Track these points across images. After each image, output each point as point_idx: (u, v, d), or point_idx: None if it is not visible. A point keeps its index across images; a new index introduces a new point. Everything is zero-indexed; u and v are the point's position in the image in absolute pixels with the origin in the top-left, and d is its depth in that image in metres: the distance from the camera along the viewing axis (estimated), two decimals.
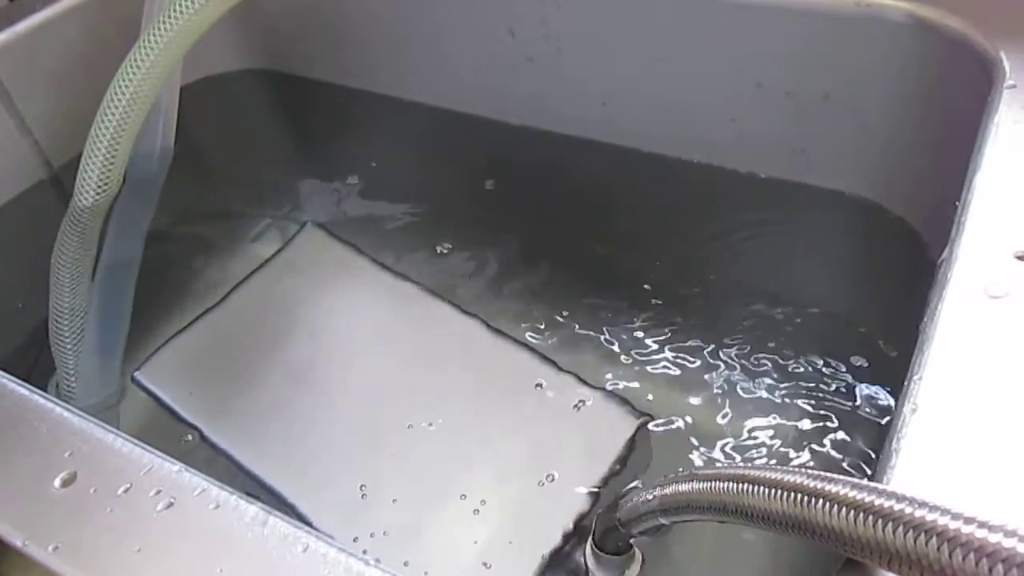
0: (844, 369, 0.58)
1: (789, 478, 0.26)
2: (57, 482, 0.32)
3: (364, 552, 0.46)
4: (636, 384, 0.59)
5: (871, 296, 0.62)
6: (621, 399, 0.52)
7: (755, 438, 0.56)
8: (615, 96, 0.66)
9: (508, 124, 0.72)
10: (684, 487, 0.32)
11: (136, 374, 0.59)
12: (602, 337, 0.63)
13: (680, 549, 0.51)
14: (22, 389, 0.35)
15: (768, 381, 0.58)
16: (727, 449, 0.56)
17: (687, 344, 0.61)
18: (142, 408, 0.60)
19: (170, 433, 0.56)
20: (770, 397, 0.58)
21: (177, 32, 0.54)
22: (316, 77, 0.80)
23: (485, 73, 0.70)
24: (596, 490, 0.48)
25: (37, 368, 0.61)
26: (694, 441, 0.56)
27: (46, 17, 0.66)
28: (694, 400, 0.58)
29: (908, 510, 0.22)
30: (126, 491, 0.31)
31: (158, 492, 0.31)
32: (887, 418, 0.53)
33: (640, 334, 0.62)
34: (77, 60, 0.68)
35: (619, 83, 0.64)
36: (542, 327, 0.64)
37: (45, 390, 0.59)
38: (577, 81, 0.66)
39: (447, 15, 0.69)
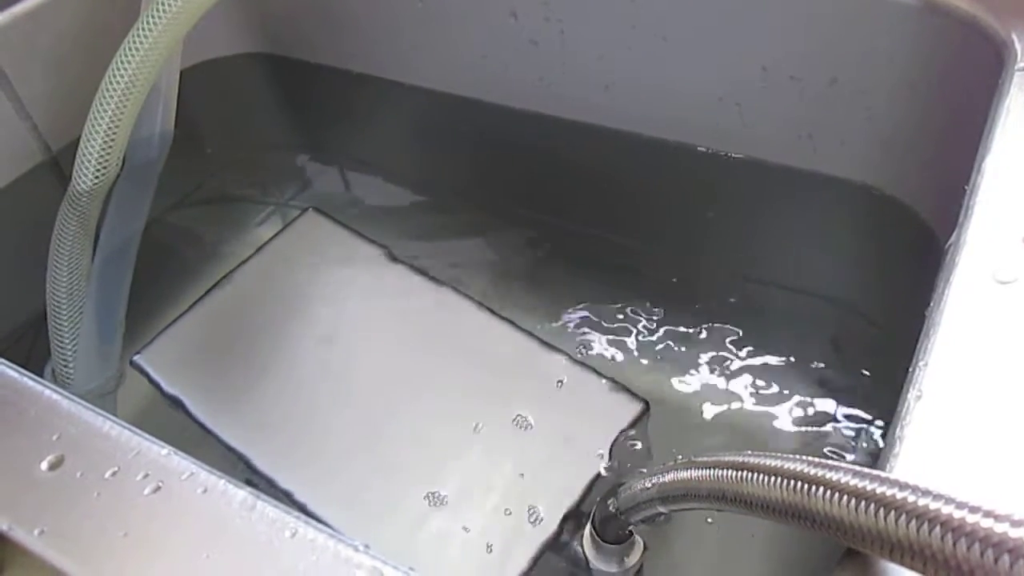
0: (849, 356, 0.57)
1: (789, 465, 0.26)
2: (44, 465, 0.31)
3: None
4: (637, 370, 0.59)
5: (877, 284, 0.61)
6: (621, 385, 0.51)
7: (758, 425, 0.56)
8: (618, 80, 0.65)
9: (511, 108, 0.71)
10: (683, 475, 0.32)
11: (136, 358, 0.58)
12: (603, 323, 0.62)
13: (680, 538, 0.50)
14: (11, 371, 0.35)
15: (772, 368, 0.58)
16: (729, 436, 0.55)
17: (689, 331, 0.61)
18: (141, 393, 0.60)
19: (168, 418, 0.56)
20: (773, 384, 0.57)
21: (176, 14, 0.54)
22: (317, 61, 0.80)
23: (487, 57, 0.69)
24: (596, 477, 0.48)
25: (35, 352, 0.61)
26: (695, 428, 0.56)
27: None
28: (696, 387, 0.58)
29: (911, 498, 0.22)
30: (113, 475, 0.30)
31: (146, 476, 0.30)
32: (892, 406, 0.53)
33: (642, 320, 0.62)
34: (76, 42, 0.68)
35: (622, 67, 0.64)
36: (543, 312, 0.64)
37: (42, 375, 0.59)
38: (580, 65, 0.65)
39: None
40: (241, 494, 0.29)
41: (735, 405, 0.57)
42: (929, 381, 0.29)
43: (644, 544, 0.45)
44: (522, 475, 0.48)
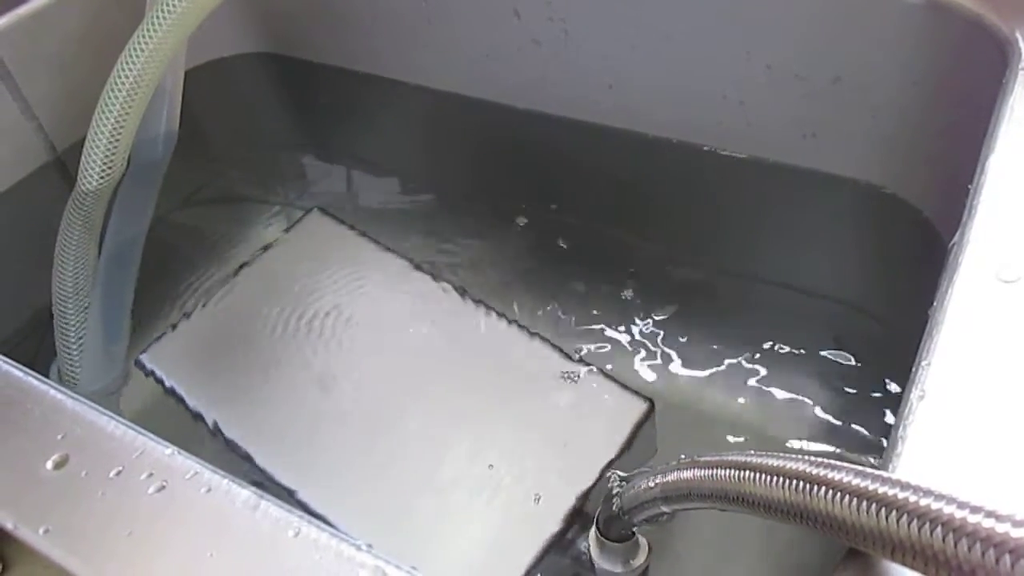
0: (852, 356, 0.57)
1: (791, 465, 0.26)
2: (49, 464, 0.31)
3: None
4: (641, 370, 0.59)
5: (881, 282, 0.61)
6: (626, 385, 0.51)
7: (762, 425, 0.56)
8: (622, 79, 0.65)
9: (514, 108, 0.71)
10: (686, 474, 0.32)
11: (141, 357, 0.58)
12: (607, 322, 0.62)
13: (683, 538, 0.50)
14: (16, 371, 0.35)
15: (775, 368, 0.58)
16: (733, 436, 0.55)
17: (694, 330, 0.61)
18: (146, 393, 0.60)
19: (172, 418, 0.56)
20: (777, 383, 0.57)
21: (181, 14, 0.54)
22: (321, 61, 0.80)
23: (490, 56, 0.69)
24: (601, 476, 0.48)
25: (41, 352, 0.62)
26: (700, 428, 0.56)
27: None
28: (700, 386, 0.58)
29: (913, 498, 0.22)
30: (118, 474, 0.31)
31: (150, 475, 0.30)
32: (895, 405, 0.53)
33: (647, 319, 0.62)
34: (81, 43, 0.68)
35: (626, 66, 0.64)
36: (547, 312, 0.64)
37: (48, 375, 0.59)
38: (583, 64, 0.65)
39: None
40: (245, 493, 0.29)
41: (739, 404, 0.57)
42: (932, 380, 0.29)
43: (649, 545, 0.45)
44: (526, 475, 0.48)
